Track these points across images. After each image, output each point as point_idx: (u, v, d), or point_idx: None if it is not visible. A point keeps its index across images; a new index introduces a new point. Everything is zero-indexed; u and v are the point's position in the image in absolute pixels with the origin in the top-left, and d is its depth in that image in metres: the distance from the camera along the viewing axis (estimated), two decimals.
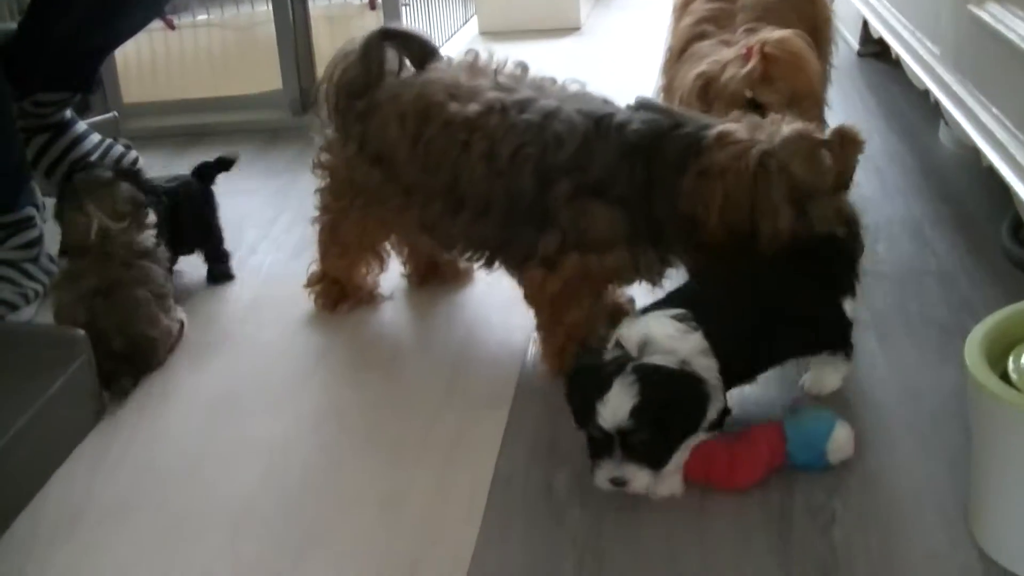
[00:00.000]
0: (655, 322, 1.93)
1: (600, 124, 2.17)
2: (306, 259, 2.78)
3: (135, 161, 3.34)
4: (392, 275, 2.75)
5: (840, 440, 1.95)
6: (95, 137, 3.33)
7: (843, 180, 2.12)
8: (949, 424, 2.05)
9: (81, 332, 2.30)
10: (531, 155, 2.19)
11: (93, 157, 3.24)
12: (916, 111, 3.53)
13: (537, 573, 1.81)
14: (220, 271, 2.95)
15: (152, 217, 2.61)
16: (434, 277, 2.77)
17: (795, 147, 2.04)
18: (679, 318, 1.92)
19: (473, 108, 2.27)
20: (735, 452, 1.93)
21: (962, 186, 3.01)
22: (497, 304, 2.59)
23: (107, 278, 2.47)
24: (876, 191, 3.03)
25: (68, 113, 3.33)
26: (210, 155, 2.98)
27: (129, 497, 2.08)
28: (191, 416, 2.30)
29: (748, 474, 1.94)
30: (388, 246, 2.68)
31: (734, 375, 1.97)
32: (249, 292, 2.85)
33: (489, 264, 2.39)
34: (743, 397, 2.08)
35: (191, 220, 2.88)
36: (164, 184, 2.83)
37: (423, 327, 2.64)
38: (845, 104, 3.71)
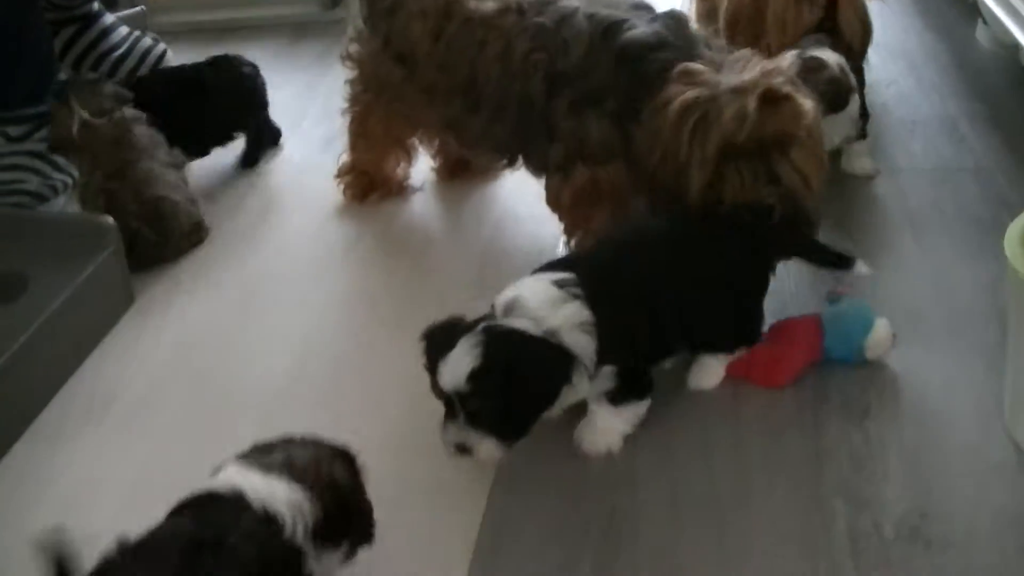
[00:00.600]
0: (533, 284, 1.77)
1: (608, 32, 2.08)
2: (334, 152, 2.76)
3: (163, 54, 3.31)
4: (422, 167, 2.73)
5: (879, 336, 1.93)
6: (123, 30, 3.30)
7: (785, 140, 1.89)
8: (985, 320, 2.04)
9: (110, 220, 2.30)
10: (541, 61, 2.14)
11: (121, 50, 3.20)
12: (953, 10, 3.47)
13: (571, 463, 1.82)
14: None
15: (135, 111, 2.63)
16: (463, 172, 2.75)
17: (733, 98, 1.87)
18: (561, 283, 1.74)
19: (490, 6, 2.22)
20: (775, 352, 1.93)
21: (999, 84, 2.96)
22: (526, 196, 2.56)
23: (115, 162, 2.49)
24: (912, 89, 2.99)
25: (96, 5, 3.29)
26: (237, 51, 2.97)
27: (159, 385, 2.09)
28: (221, 305, 2.30)
29: (788, 373, 1.93)
30: (416, 141, 2.66)
31: (619, 355, 1.77)
32: (277, 184, 2.83)
33: (511, 165, 2.37)
34: (775, 287, 2.05)
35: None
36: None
37: (453, 218, 2.62)
38: (881, 4, 3.64)
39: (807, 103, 1.89)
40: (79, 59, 3.19)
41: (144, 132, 2.59)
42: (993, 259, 2.13)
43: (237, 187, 2.83)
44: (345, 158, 2.70)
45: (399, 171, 2.70)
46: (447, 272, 2.37)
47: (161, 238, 2.45)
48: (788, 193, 1.89)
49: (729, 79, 1.90)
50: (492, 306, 1.75)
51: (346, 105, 2.61)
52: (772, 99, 1.85)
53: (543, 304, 1.71)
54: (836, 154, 2.53)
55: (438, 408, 1.81)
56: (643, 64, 2.01)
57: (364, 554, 1.59)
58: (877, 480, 1.71)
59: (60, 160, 2.78)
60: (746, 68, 1.92)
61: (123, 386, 2.08)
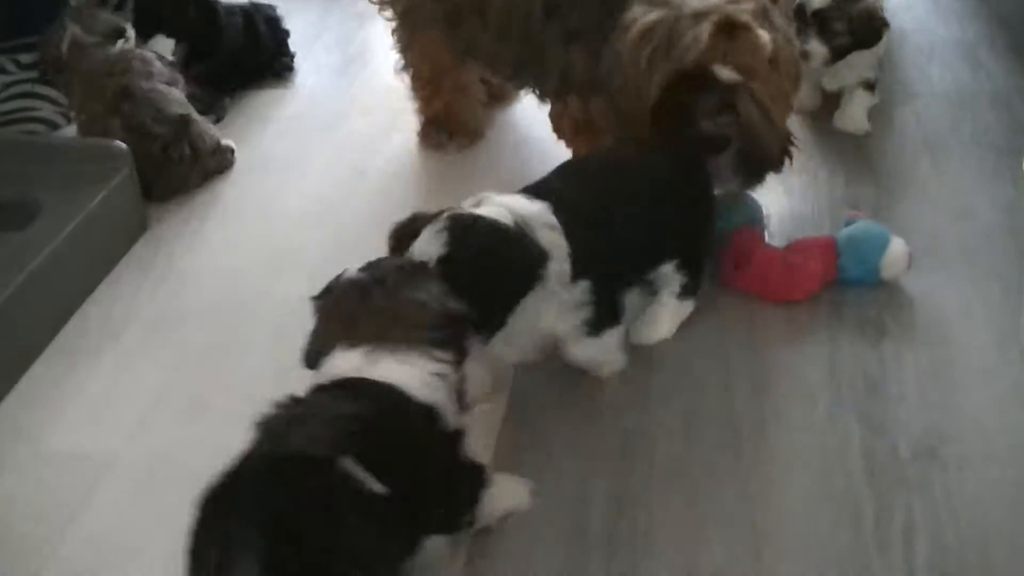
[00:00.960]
0: (502, 196, 1.71)
1: None
2: (350, 77, 2.77)
3: None
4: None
5: (894, 255, 1.92)
6: None
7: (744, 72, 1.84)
8: (1003, 243, 2.04)
9: (123, 145, 2.29)
10: None
11: None
12: None
13: (585, 383, 1.81)
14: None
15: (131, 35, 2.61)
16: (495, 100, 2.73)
17: (691, 23, 1.83)
18: (529, 194, 1.72)
19: None
20: (791, 264, 1.92)
21: (1019, 10, 2.93)
22: (544, 122, 2.57)
23: (113, 86, 2.46)
24: (930, 13, 2.97)
25: None
26: None
27: (173, 309, 2.09)
28: (236, 230, 2.30)
29: (803, 286, 1.93)
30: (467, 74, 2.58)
31: (592, 267, 1.71)
32: (292, 110, 2.82)
33: (520, 87, 2.38)
34: (792, 211, 2.05)
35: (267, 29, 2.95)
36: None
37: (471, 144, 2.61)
38: None
39: (765, 35, 1.83)
40: None
41: (139, 55, 2.56)
42: (1010, 183, 2.14)
43: (251, 113, 2.82)
44: (417, 110, 2.66)
45: (468, 113, 2.62)
46: (464, 195, 2.36)
47: (192, 155, 2.44)
48: (746, 126, 1.84)
49: (692, 2, 1.85)
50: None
51: (397, 54, 2.59)
52: (727, 27, 1.81)
53: (513, 200, 1.68)
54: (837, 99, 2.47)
55: None
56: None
57: None
58: (892, 402, 1.71)
59: None
60: None
61: (138, 308, 2.08)
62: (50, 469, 1.75)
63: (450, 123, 2.59)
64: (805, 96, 2.35)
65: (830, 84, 2.45)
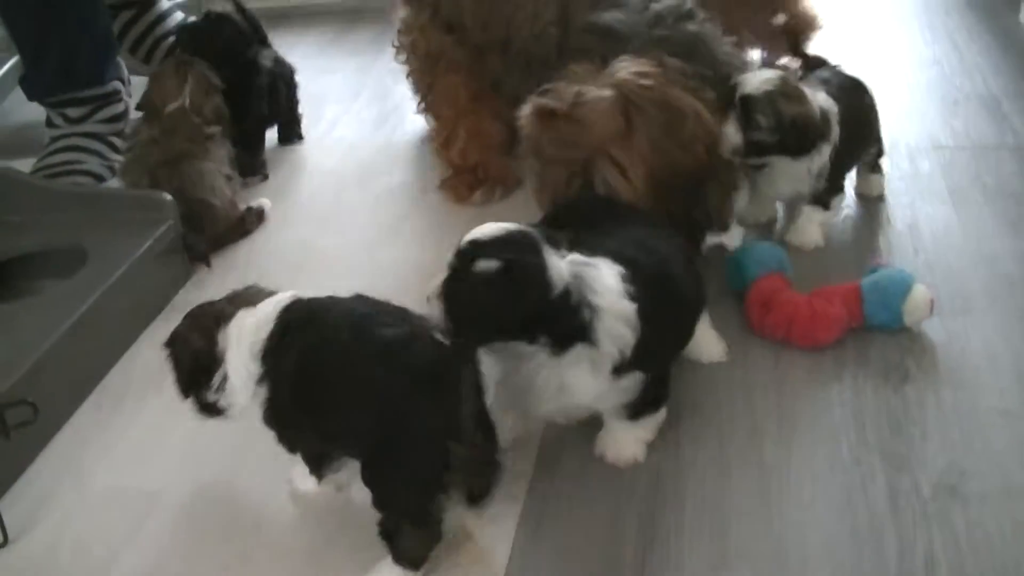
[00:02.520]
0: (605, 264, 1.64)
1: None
2: (387, 131, 2.85)
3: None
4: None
5: (917, 300, 1.96)
6: (178, 15, 3.37)
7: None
8: None
9: (168, 196, 2.36)
10: (557, 33, 2.26)
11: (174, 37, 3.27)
12: None
13: None
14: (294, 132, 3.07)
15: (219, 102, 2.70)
16: None
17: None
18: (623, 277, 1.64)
19: None
20: (816, 308, 1.96)
21: None
22: None
23: (172, 150, 2.53)
24: (955, 68, 3.02)
25: None
26: (292, 37, 3.04)
27: None
28: (272, 278, 2.33)
29: (828, 331, 1.97)
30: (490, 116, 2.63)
31: (653, 360, 1.69)
32: (331, 162, 2.89)
33: None
34: (819, 258, 2.09)
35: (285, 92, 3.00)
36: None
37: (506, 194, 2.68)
38: None
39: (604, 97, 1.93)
40: (136, 43, 3.25)
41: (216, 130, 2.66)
42: None
43: (289, 166, 2.89)
44: (441, 162, 2.70)
45: (494, 158, 2.65)
46: None
47: (194, 233, 2.47)
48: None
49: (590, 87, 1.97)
50: None
51: (417, 100, 2.69)
52: (545, 115, 1.96)
53: (604, 279, 1.61)
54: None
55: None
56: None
57: None
58: (915, 441, 1.75)
59: (117, 141, 2.84)
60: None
61: None
62: (96, 507, 1.80)
63: (475, 171, 2.64)
64: (746, 207, 2.25)
65: (767, 190, 2.27)
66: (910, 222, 2.30)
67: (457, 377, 1.52)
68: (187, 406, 1.84)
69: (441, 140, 2.66)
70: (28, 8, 2.76)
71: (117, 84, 2.92)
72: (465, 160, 2.64)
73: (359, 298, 1.66)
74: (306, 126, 3.09)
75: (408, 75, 2.68)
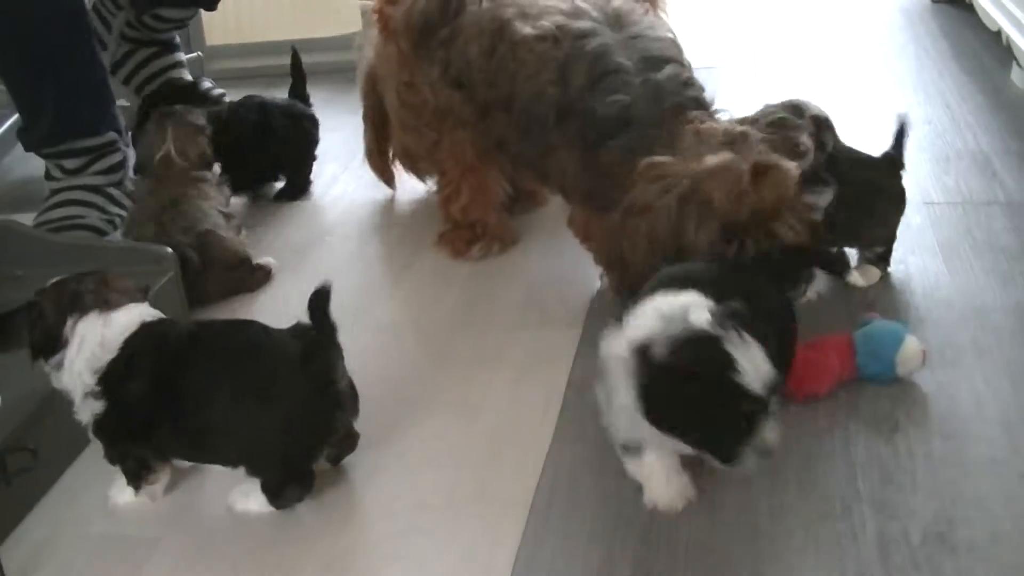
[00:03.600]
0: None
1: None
2: (385, 188, 2.88)
3: (222, 96, 3.42)
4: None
5: (909, 352, 1.99)
6: (189, 74, 3.41)
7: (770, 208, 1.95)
8: (1013, 341, 2.10)
9: (169, 249, 2.39)
10: (556, 94, 2.26)
11: (186, 82, 3.31)
12: (988, 53, 3.54)
13: (610, 469, 1.87)
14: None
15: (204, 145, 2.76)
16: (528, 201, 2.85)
17: (719, 180, 1.95)
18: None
19: (530, 32, 2.31)
20: (808, 360, 1.98)
21: None
22: (570, 234, 2.65)
23: (167, 196, 2.61)
24: (947, 127, 3.06)
25: (175, 36, 3.41)
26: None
27: None
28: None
29: (820, 383, 1.99)
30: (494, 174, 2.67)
31: None
32: (331, 218, 2.93)
33: (546, 184, 2.50)
34: (814, 310, 2.11)
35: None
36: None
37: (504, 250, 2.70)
38: (917, 48, 3.72)
39: (791, 165, 1.96)
40: (145, 82, 3.28)
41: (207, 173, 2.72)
42: (1021, 286, 2.22)
43: (291, 222, 2.93)
44: (441, 217, 2.74)
45: (495, 215, 2.70)
46: (493, 300, 2.45)
47: (206, 264, 2.53)
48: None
49: (699, 163, 1.98)
50: None
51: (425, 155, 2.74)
52: (761, 171, 1.92)
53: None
54: None
55: (485, 429, 1.97)
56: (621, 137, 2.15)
57: (413, 557, 1.69)
58: (905, 491, 1.77)
59: (115, 193, 2.87)
60: (704, 144, 2.03)
61: None
62: (95, 554, 1.82)
63: (473, 227, 2.66)
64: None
65: None
66: (902, 275, 2.33)
67: (330, 358, 1.78)
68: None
69: (444, 195, 2.69)
70: (24, 60, 2.78)
71: (113, 135, 2.93)
72: (466, 216, 2.66)
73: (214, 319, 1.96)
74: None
75: (405, 134, 2.72)
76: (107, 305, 1.84)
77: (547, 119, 2.27)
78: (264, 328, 1.86)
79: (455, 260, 2.66)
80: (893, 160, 2.29)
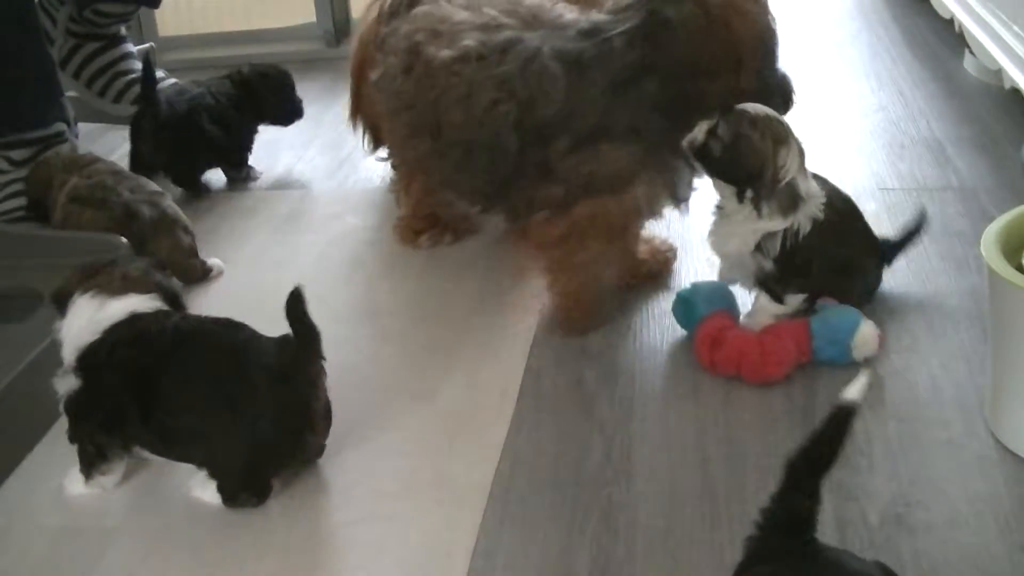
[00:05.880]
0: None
1: (580, 65, 2.07)
2: (340, 178, 2.89)
3: (174, 85, 3.39)
4: None
5: (865, 336, 2.00)
6: (137, 63, 3.39)
7: None
8: (968, 325, 2.12)
9: (123, 239, 2.37)
10: (510, 112, 2.10)
11: (134, 75, 3.28)
12: (941, 40, 3.57)
13: (568, 457, 1.88)
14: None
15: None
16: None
17: None
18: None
19: (447, 54, 2.18)
20: (765, 345, 2.00)
21: (984, 110, 3.04)
22: None
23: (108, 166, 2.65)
24: (900, 114, 3.08)
25: (122, 29, 3.38)
26: None
27: None
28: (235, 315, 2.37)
29: (777, 366, 2.00)
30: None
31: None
32: (286, 208, 2.91)
33: (484, 211, 2.32)
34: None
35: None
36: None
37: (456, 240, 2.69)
38: (869, 35, 3.75)
39: None
40: (95, 76, 3.26)
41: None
42: (975, 271, 2.23)
43: (244, 211, 2.91)
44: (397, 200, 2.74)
45: (444, 212, 2.62)
46: (449, 290, 2.44)
47: (158, 225, 2.52)
48: None
49: None
50: None
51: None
52: None
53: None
54: None
55: (444, 415, 1.98)
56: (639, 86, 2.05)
57: (372, 543, 1.68)
58: (863, 473, 1.78)
59: None
60: None
61: None
62: (52, 546, 1.80)
63: (427, 216, 2.63)
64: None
65: (716, 242, 2.17)
66: None
67: (310, 376, 1.78)
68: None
69: (402, 185, 2.67)
70: None
71: (61, 126, 2.91)
72: (419, 208, 2.64)
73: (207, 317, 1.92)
74: (263, 171, 3.15)
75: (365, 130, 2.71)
76: (110, 290, 1.86)
77: (503, 145, 2.13)
78: (254, 335, 1.86)
79: (405, 248, 2.64)
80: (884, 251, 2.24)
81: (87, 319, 1.83)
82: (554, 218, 2.15)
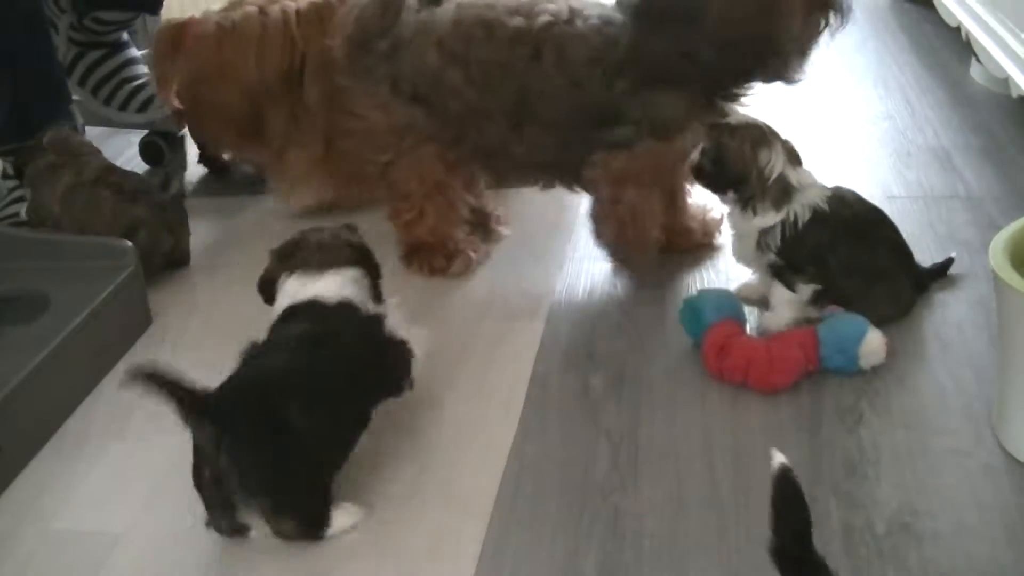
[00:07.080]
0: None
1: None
2: None
3: None
4: None
5: (872, 344, 2.00)
6: (145, 67, 3.38)
7: None
8: (975, 333, 2.11)
9: (129, 243, 2.37)
10: (598, 61, 2.24)
11: (140, 81, 3.28)
12: (948, 48, 3.56)
13: (575, 462, 1.88)
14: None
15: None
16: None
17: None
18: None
19: (543, 19, 2.28)
20: (773, 353, 1.99)
21: (992, 118, 3.04)
22: (535, 229, 2.65)
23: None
24: (907, 122, 3.07)
25: (124, 35, 3.38)
26: None
27: None
28: (237, 325, 2.35)
29: (785, 374, 1.99)
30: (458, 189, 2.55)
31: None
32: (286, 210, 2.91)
33: (548, 184, 2.48)
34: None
35: None
36: None
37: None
38: (876, 43, 3.74)
39: None
40: (99, 84, 3.25)
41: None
42: (982, 279, 2.22)
43: (247, 213, 2.92)
44: (402, 239, 2.60)
45: (459, 234, 2.58)
46: (456, 297, 2.45)
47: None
48: None
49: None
50: None
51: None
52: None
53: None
54: None
55: (450, 421, 1.99)
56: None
57: (378, 548, 1.69)
58: (870, 481, 1.78)
59: None
60: None
61: (140, 401, 2.12)
62: (57, 550, 1.81)
63: (445, 243, 2.54)
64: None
65: (734, 249, 2.29)
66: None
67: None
68: (148, 451, 1.86)
69: (406, 219, 2.55)
70: None
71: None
72: (435, 235, 2.54)
73: None
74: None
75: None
76: (312, 268, 1.94)
77: (592, 95, 2.26)
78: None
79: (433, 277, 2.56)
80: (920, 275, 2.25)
81: (285, 301, 1.92)
82: (616, 155, 2.27)
